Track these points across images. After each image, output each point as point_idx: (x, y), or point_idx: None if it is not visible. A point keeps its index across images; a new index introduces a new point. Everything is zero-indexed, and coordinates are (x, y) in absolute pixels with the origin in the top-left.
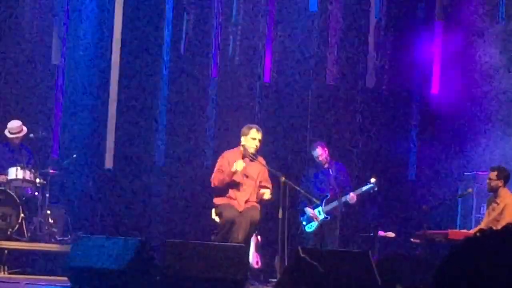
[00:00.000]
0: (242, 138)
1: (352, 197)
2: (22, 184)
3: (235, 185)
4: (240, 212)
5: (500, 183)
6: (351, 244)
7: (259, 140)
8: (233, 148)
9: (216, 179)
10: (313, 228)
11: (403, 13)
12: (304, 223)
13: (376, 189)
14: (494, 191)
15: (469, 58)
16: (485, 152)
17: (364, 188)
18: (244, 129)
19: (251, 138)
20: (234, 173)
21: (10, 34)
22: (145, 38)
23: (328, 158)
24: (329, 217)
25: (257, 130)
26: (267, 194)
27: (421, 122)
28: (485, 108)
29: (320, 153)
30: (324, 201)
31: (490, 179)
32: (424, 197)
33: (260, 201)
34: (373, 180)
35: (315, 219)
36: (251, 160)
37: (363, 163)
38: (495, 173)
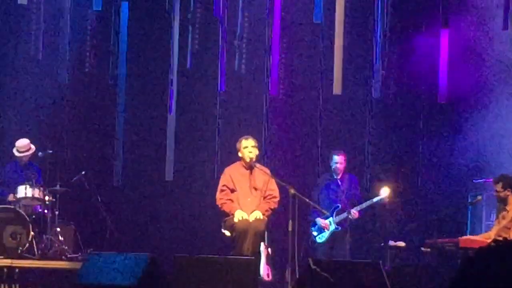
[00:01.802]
0: (239, 153)
1: (354, 213)
2: (31, 202)
3: (242, 198)
4: (249, 222)
5: (508, 192)
6: (361, 255)
7: (253, 147)
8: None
9: (220, 200)
10: (324, 239)
11: (408, 22)
12: (315, 233)
13: (386, 200)
14: (504, 200)
15: (475, 65)
16: (494, 159)
17: (375, 199)
18: (236, 144)
19: (244, 148)
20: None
21: (18, 53)
22: (151, 53)
23: (343, 169)
24: (340, 228)
25: (246, 138)
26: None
27: (428, 130)
28: (493, 117)
29: (340, 160)
30: (335, 212)
31: (497, 191)
32: (434, 205)
33: (270, 208)
34: (382, 192)
35: (326, 229)
36: (251, 170)
37: (371, 172)
38: (500, 184)
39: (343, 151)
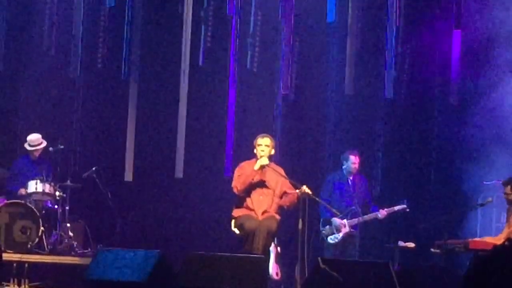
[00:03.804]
0: (255, 150)
1: (382, 213)
2: (42, 197)
3: (254, 195)
4: (260, 221)
5: None
6: (371, 255)
7: (266, 146)
8: (250, 159)
9: (237, 182)
10: (337, 240)
11: (421, 22)
12: (325, 233)
13: (408, 210)
14: None
15: (488, 67)
16: (505, 160)
17: (396, 208)
18: (254, 141)
19: (258, 146)
20: (257, 172)
21: (29, 48)
22: (163, 50)
23: (357, 169)
24: (354, 230)
25: (262, 137)
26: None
27: (441, 132)
28: (506, 118)
29: (355, 161)
30: (349, 214)
31: (506, 193)
32: (445, 206)
33: (292, 202)
34: (405, 201)
35: (342, 230)
36: (263, 168)
37: (383, 174)
38: (509, 187)
39: (355, 151)
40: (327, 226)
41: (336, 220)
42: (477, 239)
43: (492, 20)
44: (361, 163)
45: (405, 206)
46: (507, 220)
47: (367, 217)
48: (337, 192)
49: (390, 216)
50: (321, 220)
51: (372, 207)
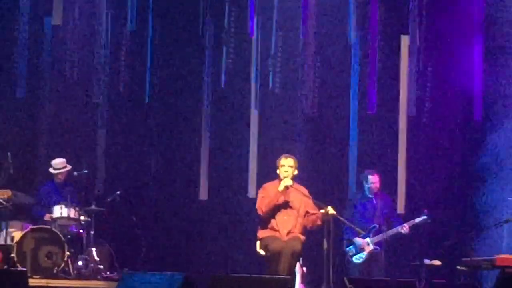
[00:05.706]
0: (278, 171)
1: (406, 228)
2: (67, 222)
3: (278, 216)
4: (285, 242)
5: None
6: (397, 273)
7: (290, 166)
8: (274, 180)
9: (262, 204)
10: (362, 260)
11: (442, 39)
12: (350, 253)
13: (429, 221)
14: None
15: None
16: None
17: (417, 220)
18: (277, 161)
19: (281, 166)
20: (281, 194)
21: (52, 73)
22: (185, 73)
23: (378, 189)
24: (378, 249)
25: (285, 157)
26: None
27: (464, 149)
28: None
29: (374, 180)
30: (371, 232)
31: None
32: (468, 223)
33: (315, 223)
34: (426, 212)
35: (366, 249)
36: (287, 188)
37: (406, 191)
38: None
39: (373, 171)
40: (351, 246)
41: (358, 240)
42: (504, 255)
43: None
44: (383, 181)
45: (426, 217)
46: None
47: (390, 232)
48: (360, 212)
49: (413, 230)
50: (345, 240)
51: (396, 223)
